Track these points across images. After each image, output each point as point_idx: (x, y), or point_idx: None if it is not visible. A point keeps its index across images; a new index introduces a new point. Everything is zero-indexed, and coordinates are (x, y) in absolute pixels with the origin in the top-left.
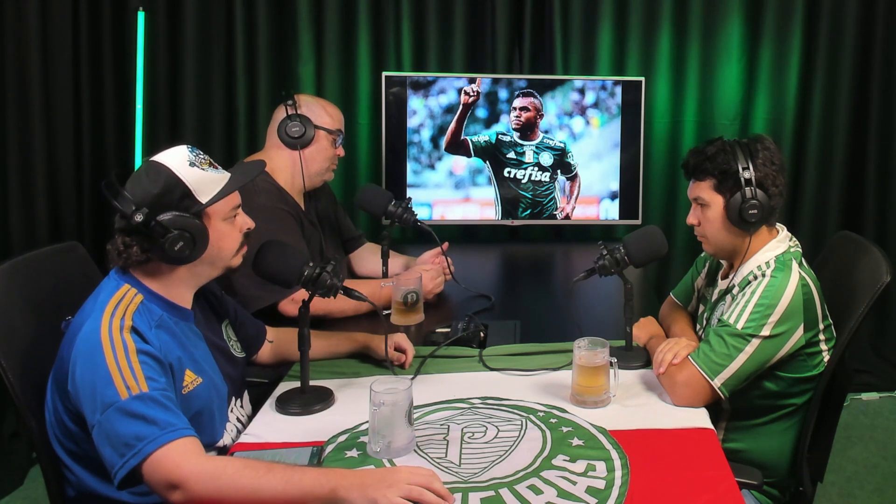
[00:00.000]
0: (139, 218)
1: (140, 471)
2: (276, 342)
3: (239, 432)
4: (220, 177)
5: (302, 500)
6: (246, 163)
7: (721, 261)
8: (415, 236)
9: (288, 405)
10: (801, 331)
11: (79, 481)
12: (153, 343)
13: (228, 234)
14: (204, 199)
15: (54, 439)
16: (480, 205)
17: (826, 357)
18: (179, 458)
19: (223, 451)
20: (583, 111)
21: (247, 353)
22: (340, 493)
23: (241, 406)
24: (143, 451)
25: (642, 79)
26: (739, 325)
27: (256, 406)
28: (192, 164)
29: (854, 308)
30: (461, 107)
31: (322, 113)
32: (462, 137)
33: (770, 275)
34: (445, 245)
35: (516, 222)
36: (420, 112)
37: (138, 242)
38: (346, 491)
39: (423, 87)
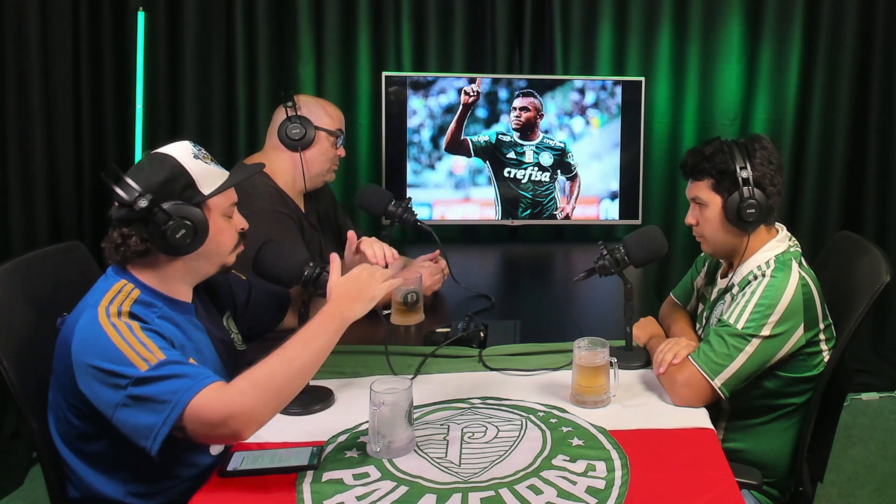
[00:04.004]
0: (143, 203)
1: (183, 423)
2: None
3: None
4: (222, 172)
5: (328, 345)
6: (245, 164)
7: (720, 260)
8: (415, 236)
9: (288, 405)
10: (801, 331)
11: (81, 481)
12: (156, 327)
13: (226, 230)
14: (206, 191)
15: (59, 439)
16: (480, 205)
17: (826, 357)
18: (217, 394)
19: None
20: (583, 111)
21: (271, 325)
22: (350, 317)
23: None
24: (182, 401)
25: (642, 79)
26: (740, 325)
27: None
28: (195, 157)
29: (854, 308)
30: (461, 107)
31: (322, 114)
32: (462, 137)
33: (770, 275)
34: (437, 252)
35: (516, 222)
36: (420, 112)
37: (137, 232)
38: (352, 312)
39: (423, 87)
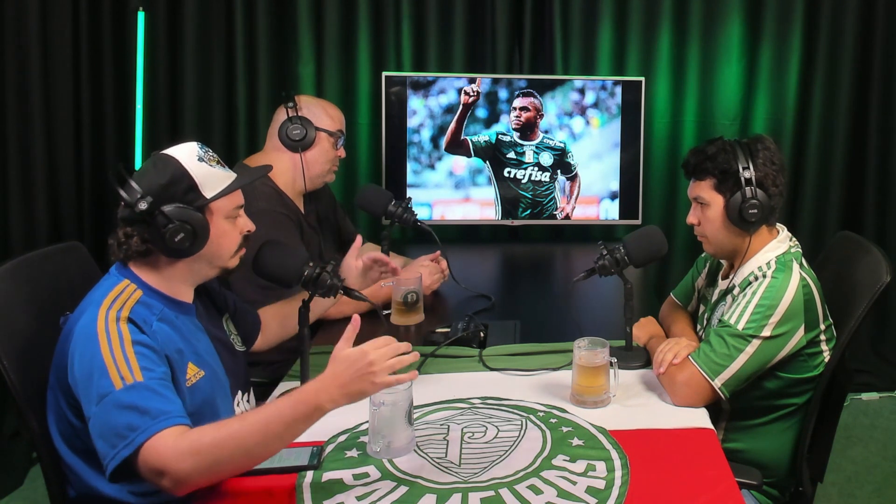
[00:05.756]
0: (143, 206)
1: (135, 461)
2: (263, 323)
3: None
4: (227, 175)
5: (289, 433)
6: (249, 166)
7: (721, 261)
8: (415, 236)
9: None
10: (801, 331)
11: (81, 481)
12: (151, 334)
13: (229, 233)
14: (209, 194)
15: (58, 438)
16: (480, 205)
17: (827, 357)
18: (162, 445)
19: None
20: (583, 111)
21: (247, 344)
22: (327, 406)
23: (248, 402)
24: (135, 442)
25: (642, 79)
26: (740, 326)
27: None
28: (200, 160)
29: (854, 308)
30: (461, 107)
31: (323, 114)
32: (462, 137)
33: (771, 275)
34: (438, 253)
35: (516, 222)
36: (420, 112)
37: (139, 232)
38: (332, 402)
39: (423, 87)
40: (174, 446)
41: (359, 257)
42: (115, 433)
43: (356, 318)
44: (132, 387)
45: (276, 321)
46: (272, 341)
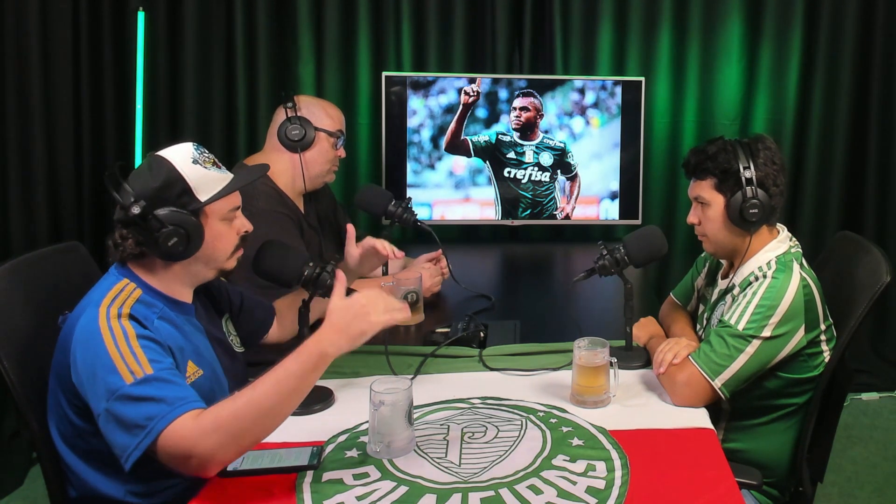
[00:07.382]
0: (136, 210)
1: (155, 449)
2: (279, 314)
3: None
4: (223, 176)
5: (302, 385)
6: (248, 165)
7: (721, 260)
8: (415, 236)
9: None
10: (802, 332)
11: (81, 481)
12: (154, 330)
13: (225, 235)
14: (203, 198)
15: (59, 438)
16: (480, 205)
17: (827, 357)
18: (184, 428)
19: None
20: (583, 111)
21: (257, 337)
22: (330, 351)
23: None
24: (156, 429)
25: (642, 79)
26: (740, 326)
27: None
28: (195, 162)
29: (854, 308)
30: (461, 107)
31: (322, 114)
32: (462, 137)
33: (771, 276)
34: (439, 252)
35: (516, 222)
36: (420, 112)
37: (133, 235)
38: (334, 346)
39: (423, 87)
40: (196, 427)
41: (359, 245)
42: (133, 425)
43: (340, 273)
44: (143, 380)
45: (293, 311)
46: (290, 331)
